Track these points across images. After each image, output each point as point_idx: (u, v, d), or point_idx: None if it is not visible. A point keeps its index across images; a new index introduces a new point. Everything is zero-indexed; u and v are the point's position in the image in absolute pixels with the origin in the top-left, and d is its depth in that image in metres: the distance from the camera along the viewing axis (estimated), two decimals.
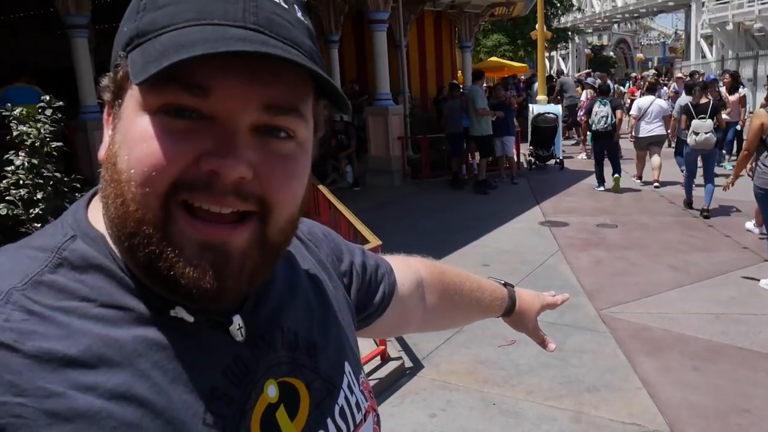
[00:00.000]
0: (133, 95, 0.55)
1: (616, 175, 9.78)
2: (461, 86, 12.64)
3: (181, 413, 0.55)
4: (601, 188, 10.04)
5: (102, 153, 0.59)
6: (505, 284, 1.23)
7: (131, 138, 0.54)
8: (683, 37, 40.87)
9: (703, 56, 33.03)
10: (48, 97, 5.01)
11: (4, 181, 5.38)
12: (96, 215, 0.61)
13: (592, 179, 10.44)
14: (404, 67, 12.97)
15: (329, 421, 0.68)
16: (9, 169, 5.36)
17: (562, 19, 32.83)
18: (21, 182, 5.35)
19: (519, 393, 3.87)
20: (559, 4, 26.91)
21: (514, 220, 8.45)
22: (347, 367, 0.74)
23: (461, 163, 11.23)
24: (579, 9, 40.18)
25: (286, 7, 0.57)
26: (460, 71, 19.32)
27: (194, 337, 0.59)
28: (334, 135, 11.09)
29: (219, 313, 0.61)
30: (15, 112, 4.96)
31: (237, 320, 0.62)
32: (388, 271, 0.98)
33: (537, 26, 14.91)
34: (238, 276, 0.57)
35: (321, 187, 6.08)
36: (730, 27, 27.63)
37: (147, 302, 0.57)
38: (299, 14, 0.59)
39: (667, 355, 4.33)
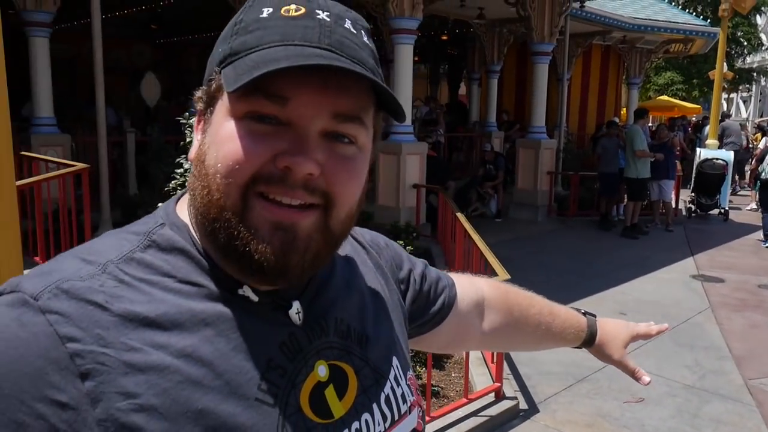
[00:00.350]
0: (223, 104, 0.65)
1: None
2: (623, 124, 12.08)
3: (239, 377, 0.63)
4: None
5: (192, 153, 0.69)
6: (585, 313, 1.21)
7: (220, 138, 0.64)
8: None
9: None
10: None
11: (172, 182, 6.00)
12: (183, 209, 0.72)
13: (759, 234, 9.52)
14: (564, 101, 12.68)
15: (375, 406, 0.74)
16: (178, 171, 5.97)
17: (748, 59, 30.29)
18: (187, 184, 5.93)
19: None
20: (746, 43, 24.93)
21: (662, 269, 7.91)
22: (395, 362, 0.80)
23: (613, 204, 10.72)
24: None
25: (355, 32, 0.68)
26: (624, 108, 18.54)
27: (257, 314, 0.67)
28: (483, 164, 11.08)
29: (281, 296, 0.69)
30: (191, 120, 5.52)
31: (296, 305, 0.70)
32: (449, 285, 1.04)
33: (717, 65, 13.91)
34: (302, 254, 0.65)
35: (459, 216, 6.09)
36: None
37: (218, 282, 0.66)
38: (365, 39, 0.69)
39: None
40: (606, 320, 1.23)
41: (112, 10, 12.31)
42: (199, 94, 0.71)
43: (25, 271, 0.71)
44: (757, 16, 26.09)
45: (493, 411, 3.92)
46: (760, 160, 10.05)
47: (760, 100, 40.99)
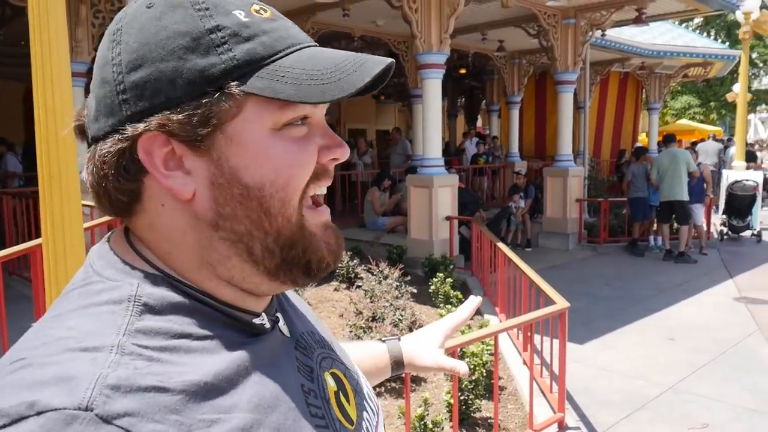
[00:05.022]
0: (248, 120, 0.59)
1: None
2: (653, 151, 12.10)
3: (296, 410, 0.61)
4: None
5: (187, 190, 0.60)
6: (385, 341, 1.12)
7: (270, 157, 0.60)
8: None
9: None
10: None
11: None
12: (134, 258, 0.63)
13: None
14: (586, 129, 12.73)
15: (366, 402, 0.76)
16: None
17: (764, 80, 30.29)
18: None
19: None
20: (762, 64, 24.96)
21: (703, 293, 7.81)
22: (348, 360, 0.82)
23: (644, 228, 10.66)
24: None
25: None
26: (645, 134, 18.54)
27: (271, 341, 0.66)
28: (513, 190, 11.07)
29: (270, 313, 0.68)
30: None
31: (280, 316, 0.70)
32: None
33: (737, 86, 13.91)
34: (343, 243, 0.69)
35: (501, 246, 6.09)
36: None
37: (230, 321, 0.62)
38: None
39: None
40: (409, 336, 1.15)
41: None
42: (175, 119, 0.58)
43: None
44: None
45: None
46: None
47: None
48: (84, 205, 3.12)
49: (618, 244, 10.77)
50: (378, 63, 0.62)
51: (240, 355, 0.59)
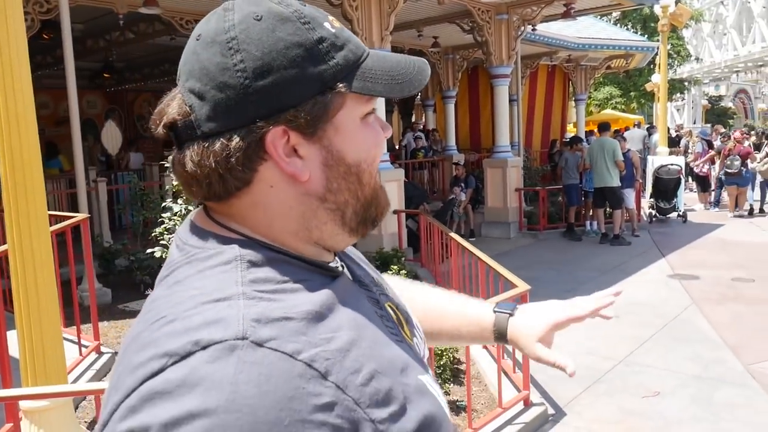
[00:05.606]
0: (348, 112, 0.74)
1: None
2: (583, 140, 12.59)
3: (381, 329, 0.74)
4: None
5: (304, 173, 0.72)
6: (497, 310, 1.12)
7: (362, 140, 0.76)
8: None
9: None
10: None
11: (161, 227, 5.95)
12: (226, 231, 0.74)
13: (720, 232, 10.03)
14: (519, 121, 13.14)
15: (415, 330, 0.90)
16: (166, 215, 5.94)
17: (678, 70, 31.94)
18: (176, 227, 5.88)
19: None
20: (676, 55, 26.32)
21: (640, 272, 8.25)
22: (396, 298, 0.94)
23: (579, 212, 11.14)
24: (697, 59, 38.96)
25: None
26: (573, 124, 19.22)
27: (347, 281, 0.79)
28: (454, 182, 11.32)
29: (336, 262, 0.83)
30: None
31: (342, 264, 0.84)
32: None
33: (655, 77, 14.66)
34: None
35: (453, 235, 6.27)
36: None
37: (314, 269, 0.75)
38: None
39: None
40: (526, 312, 1.11)
41: (61, 61, 12.20)
42: (295, 115, 0.70)
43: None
44: (684, 30, 27.61)
45: (526, 418, 4.04)
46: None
47: (692, 108, 43.11)
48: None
49: (557, 230, 11.20)
50: (426, 65, 0.80)
51: (331, 290, 0.71)
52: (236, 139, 0.69)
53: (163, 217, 5.91)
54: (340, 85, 0.72)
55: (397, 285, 1.05)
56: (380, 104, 8.24)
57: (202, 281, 0.68)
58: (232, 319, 0.61)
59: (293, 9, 0.72)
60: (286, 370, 0.59)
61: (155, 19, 9.35)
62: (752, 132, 16.39)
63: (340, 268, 0.80)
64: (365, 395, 0.63)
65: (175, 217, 5.89)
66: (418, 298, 1.12)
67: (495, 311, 1.11)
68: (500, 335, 1.10)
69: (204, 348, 0.59)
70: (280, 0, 0.73)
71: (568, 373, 1.00)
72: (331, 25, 0.74)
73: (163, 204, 6.11)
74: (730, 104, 46.05)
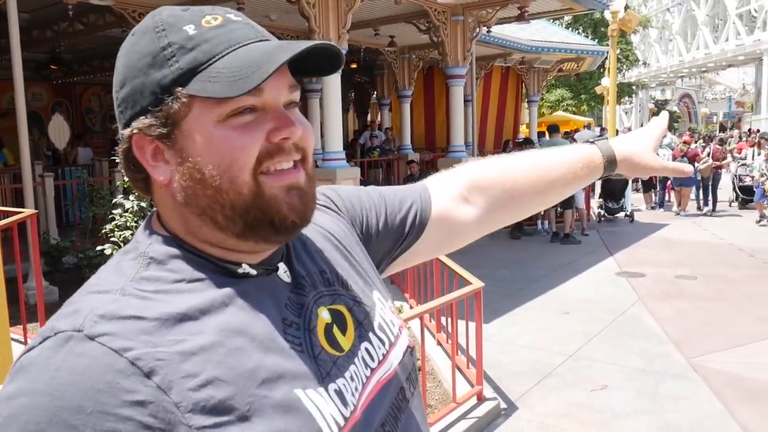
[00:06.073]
0: (198, 116, 0.72)
1: None
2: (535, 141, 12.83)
3: (269, 336, 0.74)
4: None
5: (164, 177, 0.75)
6: (594, 141, 1.15)
7: (215, 143, 0.72)
8: (752, 90, 40.11)
9: None
10: None
11: (111, 224, 5.82)
12: (158, 226, 0.80)
13: (665, 231, 10.37)
14: (473, 121, 13.31)
15: (371, 335, 0.87)
16: (117, 212, 5.82)
17: (627, 74, 32.84)
18: (127, 224, 5.77)
19: None
20: (625, 60, 27.05)
21: (589, 270, 8.48)
22: (376, 295, 0.94)
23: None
24: (644, 64, 40.13)
25: (254, 24, 0.79)
26: (524, 125, 19.55)
27: (258, 285, 0.78)
28: (408, 179, 11.41)
29: (268, 264, 0.81)
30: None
31: (282, 266, 0.83)
32: (421, 189, 1.11)
33: (605, 80, 15.05)
34: (311, 203, 0.80)
35: None
36: None
37: (220, 270, 0.76)
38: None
39: (766, 405, 4.31)
40: (620, 138, 1.17)
41: (6, 52, 11.77)
42: (147, 122, 0.74)
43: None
44: (632, 35, 28.41)
45: (479, 412, 4.12)
46: None
47: (639, 111, 44.39)
48: None
49: (506, 229, 11.38)
50: (290, 50, 0.70)
51: (221, 293, 0.74)
52: (121, 144, 0.77)
53: (113, 214, 5.78)
54: (179, 89, 0.72)
55: (488, 165, 1.13)
56: (335, 103, 8.24)
57: (108, 272, 0.75)
58: (83, 311, 0.67)
59: (161, 18, 0.74)
60: (107, 364, 0.63)
61: (106, 10, 9.12)
62: (694, 135, 17.02)
63: (253, 272, 0.79)
64: (190, 400, 0.64)
65: (126, 214, 5.77)
66: (519, 166, 1.13)
67: (595, 143, 1.13)
68: (610, 161, 1.11)
69: (55, 335, 0.66)
70: (171, 10, 0.75)
71: (687, 171, 1.19)
72: (197, 26, 0.73)
73: (114, 200, 5.99)
74: (675, 108, 47.64)
